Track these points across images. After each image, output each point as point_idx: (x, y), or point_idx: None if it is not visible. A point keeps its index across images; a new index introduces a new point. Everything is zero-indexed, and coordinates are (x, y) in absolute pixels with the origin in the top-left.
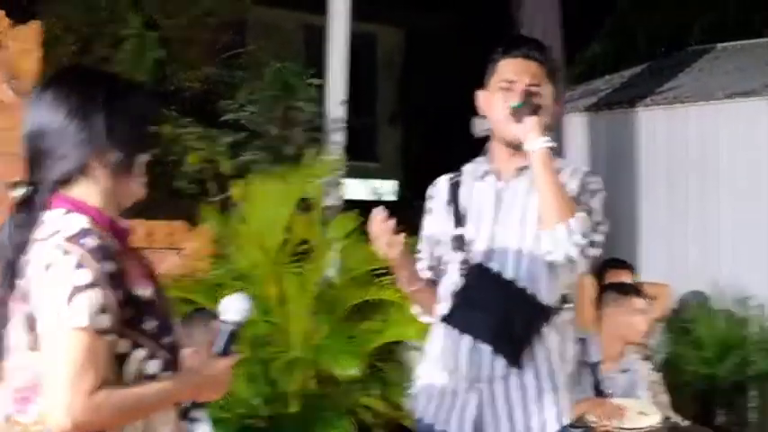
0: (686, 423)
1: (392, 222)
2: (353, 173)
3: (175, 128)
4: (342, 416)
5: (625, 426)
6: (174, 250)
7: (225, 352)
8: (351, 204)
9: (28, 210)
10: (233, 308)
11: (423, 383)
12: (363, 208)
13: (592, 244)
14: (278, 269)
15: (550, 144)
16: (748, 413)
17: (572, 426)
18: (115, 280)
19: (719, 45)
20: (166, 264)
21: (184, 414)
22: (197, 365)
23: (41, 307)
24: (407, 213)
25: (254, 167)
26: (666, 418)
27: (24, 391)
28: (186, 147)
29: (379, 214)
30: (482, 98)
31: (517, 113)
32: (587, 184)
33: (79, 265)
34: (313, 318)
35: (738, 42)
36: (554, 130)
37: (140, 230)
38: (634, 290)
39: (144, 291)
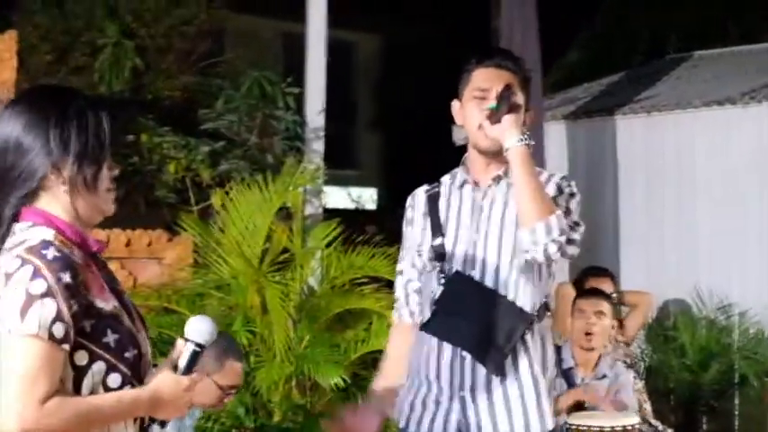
0: (670, 431)
1: None
2: (333, 181)
3: (154, 137)
4: (325, 425)
5: (604, 425)
6: (155, 260)
7: (186, 372)
8: (331, 213)
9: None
10: (198, 329)
11: (405, 394)
12: (344, 216)
13: (570, 242)
14: (259, 278)
15: (529, 142)
16: (732, 420)
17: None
18: (71, 291)
19: (697, 53)
20: (147, 273)
21: (142, 427)
22: (156, 383)
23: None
24: (387, 221)
25: (234, 176)
26: (648, 424)
27: None
28: (165, 156)
29: None
30: (456, 108)
31: (494, 114)
32: (563, 187)
33: (35, 275)
34: (295, 327)
35: (716, 50)
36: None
37: (120, 240)
38: (593, 293)
39: (105, 304)
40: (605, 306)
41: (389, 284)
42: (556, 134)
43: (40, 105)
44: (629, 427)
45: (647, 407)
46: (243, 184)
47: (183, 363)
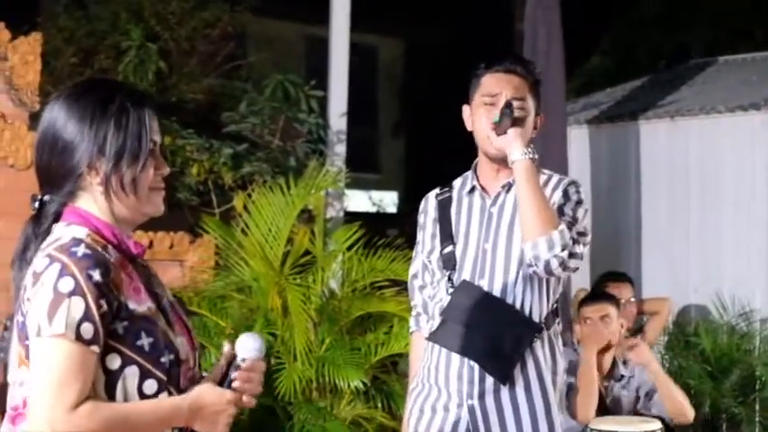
0: None
1: None
2: (355, 184)
3: (177, 139)
4: (345, 428)
5: (627, 430)
6: (177, 262)
7: (229, 386)
8: (352, 216)
9: (39, 222)
10: (246, 346)
11: (416, 398)
12: (365, 220)
13: (572, 256)
14: (281, 281)
15: (533, 155)
16: (753, 427)
17: None
18: (101, 290)
19: (721, 58)
20: (169, 275)
21: None
22: (198, 393)
23: (29, 316)
24: (408, 224)
25: (256, 179)
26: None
27: (17, 408)
28: (188, 158)
29: None
30: (467, 114)
31: (499, 126)
32: (570, 193)
33: (62, 274)
34: (316, 329)
35: (740, 56)
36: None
37: (143, 242)
38: (599, 297)
39: (139, 306)
40: (610, 309)
41: None
42: (579, 139)
43: (82, 100)
44: None
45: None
46: (265, 187)
47: (228, 377)
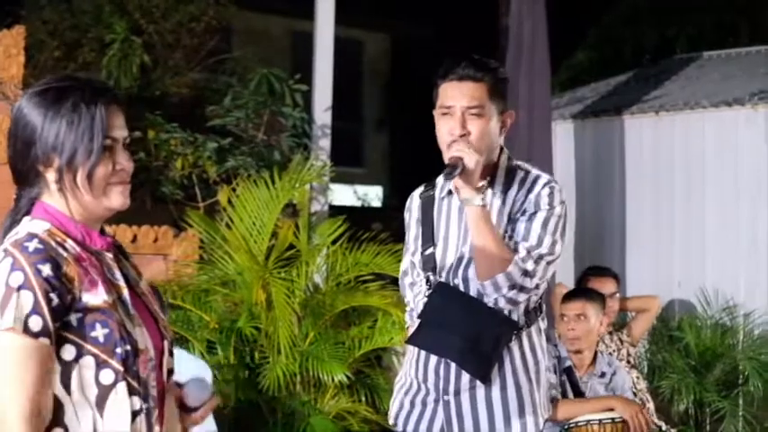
0: (674, 431)
1: None
2: (339, 178)
3: (161, 133)
4: (329, 422)
5: (598, 418)
6: (161, 256)
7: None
8: (337, 210)
9: (12, 216)
10: (197, 396)
11: (398, 390)
12: (350, 214)
13: (523, 290)
14: (265, 275)
15: (482, 203)
16: (737, 421)
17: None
18: (51, 283)
19: (706, 53)
20: (153, 269)
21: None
22: None
23: None
24: (393, 219)
25: (241, 173)
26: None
27: None
28: (172, 152)
29: None
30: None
31: (445, 175)
32: (542, 203)
33: (13, 268)
34: (300, 323)
35: (724, 51)
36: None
37: (126, 235)
38: (576, 294)
39: (94, 298)
40: (587, 308)
41: (394, 282)
42: (563, 133)
43: (39, 99)
44: (618, 419)
45: (651, 406)
46: (249, 181)
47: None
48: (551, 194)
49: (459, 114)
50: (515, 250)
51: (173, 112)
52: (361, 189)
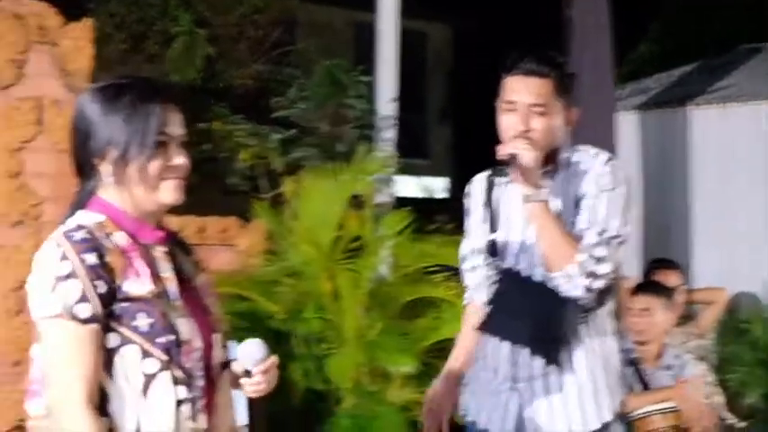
0: (742, 424)
1: None
2: (404, 170)
3: (226, 125)
4: (396, 412)
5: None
6: (227, 247)
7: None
8: (402, 201)
9: (72, 209)
10: (248, 355)
11: (468, 381)
12: (414, 205)
13: (596, 277)
14: (331, 265)
15: (544, 198)
16: None
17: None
18: (96, 272)
19: None
20: (219, 260)
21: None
22: None
23: (31, 298)
24: (458, 210)
25: (306, 164)
26: (721, 419)
27: (35, 383)
28: (237, 144)
29: None
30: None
31: (499, 171)
32: (603, 184)
33: (62, 257)
34: (366, 314)
35: None
36: (585, 127)
37: (193, 227)
38: (642, 288)
39: (138, 288)
40: (652, 302)
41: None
42: (627, 125)
43: (98, 95)
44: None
45: (719, 399)
46: (314, 172)
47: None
48: (613, 173)
49: (523, 111)
50: (584, 237)
51: (237, 103)
52: (426, 180)
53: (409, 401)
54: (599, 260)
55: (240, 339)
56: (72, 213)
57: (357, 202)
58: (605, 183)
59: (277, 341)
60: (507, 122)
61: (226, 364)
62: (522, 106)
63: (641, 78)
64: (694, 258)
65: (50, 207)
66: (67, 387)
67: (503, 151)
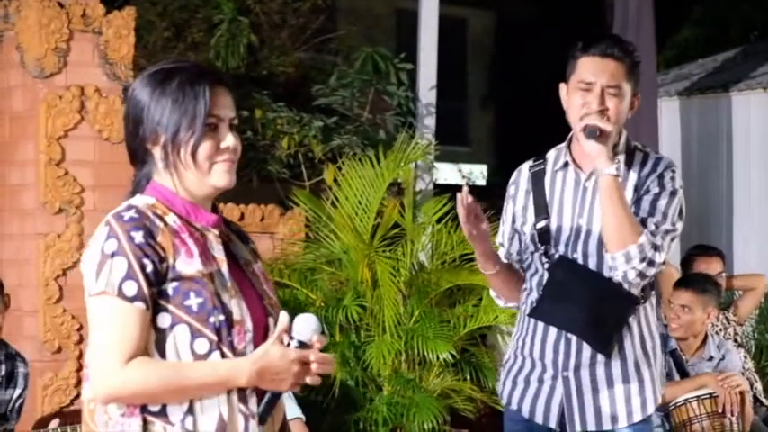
0: None
1: (475, 204)
2: (444, 157)
3: (268, 112)
4: (434, 400)
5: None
6: (268, 234)
7: None
8: (441, 189)
9: (128, 197)
10: (304, 328)
11: (509, 370)
12: (454, 192)
13: (652, 264)
14: (370, 253)
15: (617, 173)
16: None
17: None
18: (144, 250)
19: None
20: (260, 247)
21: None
22: (262, 353)
23: (84, 279)
24: (497, 197)
25: (346, 152)
26: (759, 402)
27: (86, 367)
28: (278, 131)
29: (464, 195)
30: (563, 93)
31: (588, 134)
32: (666, 182)
33: (108, 236)
34: (405, 302)
35: None
36: (634, 119)
37: (234, 214)
38: (685, 284)
39: (188, 268)
40: (694, 301)
41: None
42: (669, 111)
43: (149, 80)
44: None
45: (759, 386)
46: (355, 160)
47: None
48: (673, 178)
49: (599, 91)
50: (644, 224)
51: (279, 91)
52: (466, 168)
53: (447, 388)
54: (656, 248)
55: None
56: (129, 199)
57: (397, 189)
58: (666, 183)
59: None
60: (581, 100)
61: None
62: (599, 87)
63: (684, 64)
64: (735, 245)
65: (92, 195)
66: (107, 349)
67: (580, 126)
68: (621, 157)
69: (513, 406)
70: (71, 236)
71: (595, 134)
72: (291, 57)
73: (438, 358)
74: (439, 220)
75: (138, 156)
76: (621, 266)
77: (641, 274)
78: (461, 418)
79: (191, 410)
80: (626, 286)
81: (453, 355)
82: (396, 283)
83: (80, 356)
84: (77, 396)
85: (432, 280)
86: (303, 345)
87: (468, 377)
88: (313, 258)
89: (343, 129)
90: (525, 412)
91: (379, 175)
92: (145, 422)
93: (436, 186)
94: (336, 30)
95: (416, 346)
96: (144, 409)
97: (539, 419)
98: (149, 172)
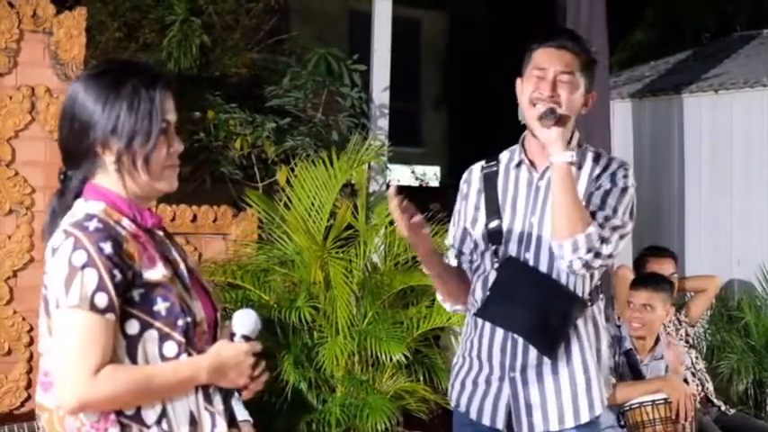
0: (733, 411)
1: (407, 203)
2: (397, 158)
3: (220, 113)
4: (387, 401)
5: (651, 399)
6: (220, 235)
7: None
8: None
9: (62, 196)
10: (245, 323)
11: (457, 372)
12: (408, 194)
13: (598, 256)
14: (323, 254)
15: (572, 160)
16: None
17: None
18: (113, 261)
19: (765, 31)
20: (212, 249)
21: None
22: (216, 349)
23: (48, 289)
24: (451, 198)
25: (299, 153)
26: (711, 403)
27: (48, 375)
28: (231, 132)
29: (391, 193)
30: (519, 86)
31: (543, 121)
32: (618, 179)
33: (76, 248)
34: (358, 303)
35: None
36: (586, 118)
37: (186, 215)
38: (643, 283)
39: (154, 273)
40: (654, 298)
41: None
42: (622, 112)
43: (97, 82)
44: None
45: (710, 386)
46: (308, 161)
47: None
48: (626, 176)
49: (552, 77)
50: (593, 217)
51: (232, 92)
52: (419, 169)
53: (401, 389)
54: (603, 240)
55: None
56: (62, 202)
57: (350, 190)
58: (618, 181)
59: (269, 330)
60: (533, 86)
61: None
62: (552, 73)
63: (636, 66)
64: (687, 246)
65: (43, 196)
66: (73, 365)
67: (534, 112)
68: (574, 154)
69: (462, 408)
70: (21, 237)
71: (554, 117)
72: (244, 57)
73: (391, 359)
74: (392, 222)
75: (78, 157)
76: (568, 255)
77: (587, 265)
78: (414, 420)
79: (164, 412)
80: (572, 279)
81: (406, 357)
82: (349, 284)
83: (30, 359)
84: (28, 398)
85: (385, 281)
86: (247, 338)
87: (422, 378)
88: (266, 259)
89: (296, 130)
90: (473, 414)
91: (332, 176)
92: (122, 426)
93: (389, 188)
94: (290, 31)
95: (369, 347)
96: (119, 413)
97: (486, 421)
98: (87, 173)
